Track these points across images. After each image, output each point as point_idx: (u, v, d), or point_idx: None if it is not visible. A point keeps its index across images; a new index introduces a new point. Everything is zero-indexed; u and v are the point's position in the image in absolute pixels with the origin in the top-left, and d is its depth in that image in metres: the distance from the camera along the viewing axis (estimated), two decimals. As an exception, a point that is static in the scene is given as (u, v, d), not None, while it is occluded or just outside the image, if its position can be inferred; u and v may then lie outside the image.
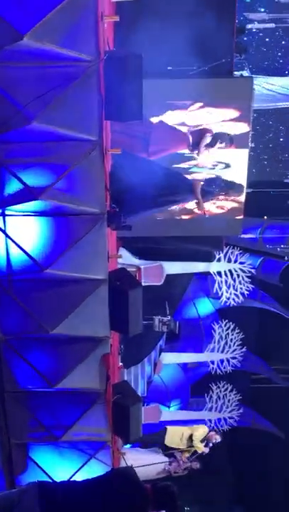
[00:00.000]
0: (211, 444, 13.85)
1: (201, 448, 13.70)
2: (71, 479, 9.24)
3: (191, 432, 13.97)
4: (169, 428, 14.01)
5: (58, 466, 9.85)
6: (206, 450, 13.82)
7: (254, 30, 19.38)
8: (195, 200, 10.54)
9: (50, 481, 8.88)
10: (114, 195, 9.27)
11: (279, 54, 20.89)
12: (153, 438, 13.97)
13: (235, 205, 13.67)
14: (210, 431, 13.99)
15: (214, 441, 13.89)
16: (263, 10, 19.94)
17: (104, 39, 8.39)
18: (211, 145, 13.07)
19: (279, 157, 22.22)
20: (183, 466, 13.98)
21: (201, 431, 13.99)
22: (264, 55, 20.65)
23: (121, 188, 9.60)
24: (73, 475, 9.62)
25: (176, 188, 10.43)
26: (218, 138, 11.87)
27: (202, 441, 13.85)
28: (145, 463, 13.48)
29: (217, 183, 10.67)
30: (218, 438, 13.92)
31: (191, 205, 11.59)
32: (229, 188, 10.76)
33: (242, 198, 13.57)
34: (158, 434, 14.16)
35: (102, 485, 7.28)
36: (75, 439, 9.72)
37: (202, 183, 10.43)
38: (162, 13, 12.31)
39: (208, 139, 11.73)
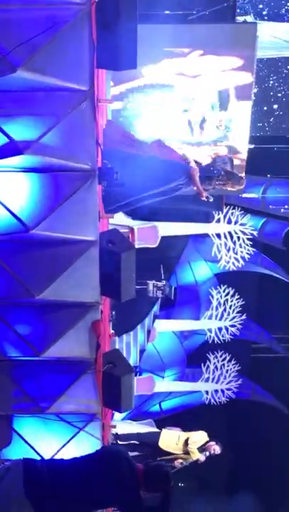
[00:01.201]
0: (208, 454, 13.53)
1: (196, 454, 13.25)
2: (58, 457, 9.32)
3: (187, 436, 13.50)
4: (164, 430, 13.78)
5: (45, 439, 9.89)
6: (202, 458, 13.36)
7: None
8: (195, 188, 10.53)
9: (35, 458, 8.94)
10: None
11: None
12: (147, 438, 13.81)
13: (236, 162, 13.66)
14: (210, 440, 13.60)
15: (212, 452, 13.36)
16: None
17: (97, -20, 8.28)
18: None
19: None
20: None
21: (198, 436, 13.47)
22: (270, -1, 20.42)
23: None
24: (61, 448, 9.68)
25: (175, 177, 10.42)
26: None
27: (200, 449, 13.51)
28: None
29: (215, 171, 10.66)
30: (217, 449, 13.39)
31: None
32: (229, 178, 10.76)
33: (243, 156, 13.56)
34: (152, 433, 13.92)
35: (90, 464, 7.35)
36: (63, 411, 9.77)
37: (198, 173, 10.47)
38: None
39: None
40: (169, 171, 10.39)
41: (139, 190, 10.31)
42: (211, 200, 10.80)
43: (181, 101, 14.00)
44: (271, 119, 21.47)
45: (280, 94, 21.43)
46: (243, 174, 12.83)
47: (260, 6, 19.27)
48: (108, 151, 9.98)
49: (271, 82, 20.96)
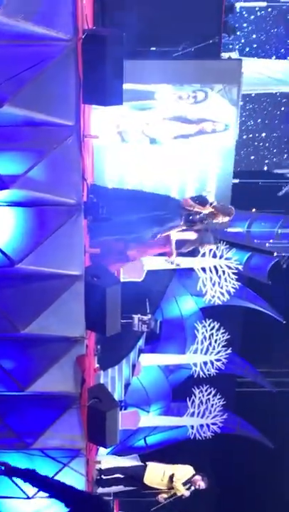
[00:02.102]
0: (193, 488, 13.37)
1: (181, 490, 13.11)
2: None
3: (172, 472, 13.31)
4: (149, 465, 13.65)
5: (29, 475, 9.82)
6: (187, 494, 13.23)
7: (244, 10, 19.40)
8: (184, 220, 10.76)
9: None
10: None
11: (270, 34, 20.91)
12: (132, 472, 13.69)
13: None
14: (195, 474, 13.47)
15: (198, 486, 13.20)
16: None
17: (83, 17, 8.35)
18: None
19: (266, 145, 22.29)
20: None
21: (184, 471, 13.31)
22: (254, 36, 20.65)
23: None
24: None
25: (167, 208, 10.60)
26: (202, 241, 11.99)
27: (185, 483, 13.36)
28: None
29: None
30: (202, 484, 13.22)
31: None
32: (219, 209, 10.94)
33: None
34: (138, 468, 13.79)
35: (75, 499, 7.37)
36: (48, 446, 9.70)
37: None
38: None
39: (189, 248, 11.90)
40: (161, 203, 10.53)
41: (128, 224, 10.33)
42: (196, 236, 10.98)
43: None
44: (241, 152, 21.59)
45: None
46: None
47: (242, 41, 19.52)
48: (97, 187, 10.05)
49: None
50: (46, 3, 7.74)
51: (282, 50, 20.16)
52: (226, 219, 11.23)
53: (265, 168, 21.67)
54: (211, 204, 10.91)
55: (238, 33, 18.27)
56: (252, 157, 21.77)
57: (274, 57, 20.17)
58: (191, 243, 11.76)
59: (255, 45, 20.62)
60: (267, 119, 21.53)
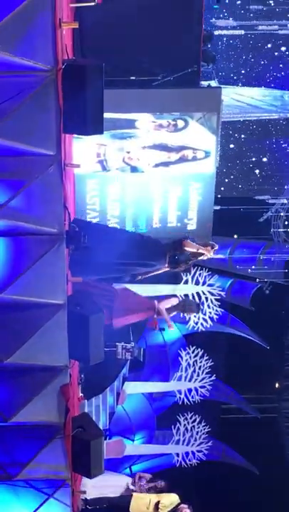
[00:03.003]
0: None
1: None
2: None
3: (158, 499, 13.10)
4: (135, 495, 13.57)
5: (14, 507, 9.73)
6: None
7: (222, 37, 19.58)
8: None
9: None
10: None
11: (249, 63, 21.08)
12: (118, 502, 13.58)
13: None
14: (181, 503, 13.36)
15: None
16: (231, 18, 20.16)
17: (63, 47, 8.39)
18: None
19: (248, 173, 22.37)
20: (146, 486, 13.78)
21: (169, 499, 13.10)
22: (232, 64, 20.81)
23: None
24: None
25: (152, 249, 10.67)
26: (185, 309, 12.21)
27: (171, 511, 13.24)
28: (107, 484, 13.33)
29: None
30: None
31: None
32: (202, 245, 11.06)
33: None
34: (123, 498, 13.69)
35: None
36: (32, 477, 9.62)
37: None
38: (125, 20, 12.35)
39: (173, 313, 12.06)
40: (147, 247, 10.62)
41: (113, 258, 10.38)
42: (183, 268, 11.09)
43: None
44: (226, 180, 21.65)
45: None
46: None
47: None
48: (80, 222, 10.10)
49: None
50: (26, 33, 7.76)
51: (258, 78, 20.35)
52: (211, 255, 11.31)
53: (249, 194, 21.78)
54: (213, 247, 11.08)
55: (218, 61, 18.47)
56: (234, 183, 21.88)
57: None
58: (175, 308, 11.90)
59: (233, 73, 20.77)
60: (247, 145, 21.66)
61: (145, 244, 10.67)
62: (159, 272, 11.03)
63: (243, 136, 21.08)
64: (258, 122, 20.27)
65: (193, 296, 16.79)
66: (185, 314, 12.12)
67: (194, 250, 10.86)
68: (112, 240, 10.33)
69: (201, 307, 16.34)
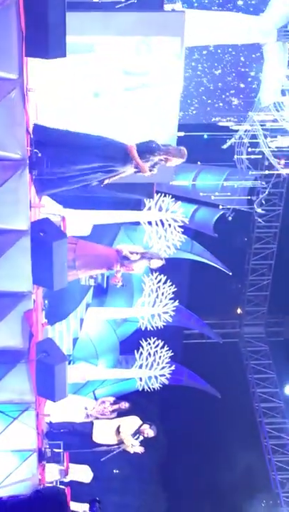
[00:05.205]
0: (142, 438, 13.21)
1: (131, 441, 13.17)
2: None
3: (119, 424, 13.38)
4: (95, 422, 13.71)
5: (-21, 430, 9.88)
6: (139, 450, 13.32)
7: None
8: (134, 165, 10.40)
9: None
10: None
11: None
12: (81, 428, 13.72)
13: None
14: (143, 424, 13.52)
15: (146, 435, 13.25)
16: None
17: None
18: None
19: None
20: (110, 409, 13.99)
21: (130, 422, 13.38)
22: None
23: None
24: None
25: (112, 154, 10.32)
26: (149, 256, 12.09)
27: (134, 434, 13.20)
28: (70, 406, 13.50)
29: (153, 144, 10.56)
30: (150, 433, 13.31)
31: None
32: (167, 151, 10.64)
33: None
34: (85, 425, 13.81)
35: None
36: (-3, 401, 9.75)
37: (135, 149, 10.31)
38: None
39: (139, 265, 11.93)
40: (105, 149, 10.31)
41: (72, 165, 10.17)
42: (155, 172, 10.69)
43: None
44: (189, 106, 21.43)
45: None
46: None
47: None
48: (39, 127, 9.90)
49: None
50: None
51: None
52: (180, 161, 10.96)
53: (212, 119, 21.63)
54: (160, 152, 10.65)
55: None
56: (195, 111, 21.71)
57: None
58: (140, 259, 11.81)
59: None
60: (213, 72, 21.46)
61: (103, 146, 10.41)
62: (127, 173, 10.68)
63: (216, 63, 20.85)
64: (233, 48, 20.01)
65: (156, 224, 16.80)
66: (150, 264, 12.06)
67: (136, 159, 10.49)
68: (72, 148, 10.11)
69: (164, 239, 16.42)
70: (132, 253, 11.72)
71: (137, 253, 11.84)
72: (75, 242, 11.58)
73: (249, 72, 20.44)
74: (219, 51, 19.97)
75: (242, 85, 20.74)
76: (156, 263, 12.03)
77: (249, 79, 20.47)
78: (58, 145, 9.87)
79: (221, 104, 21.25)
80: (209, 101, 21.02)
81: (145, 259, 11.89)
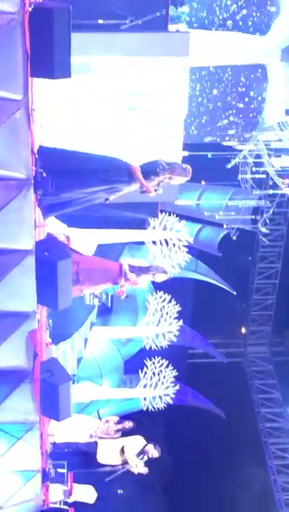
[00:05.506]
0: (146, 458, 13.08)
1: (135, 462, 13.03)
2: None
3: (123, 444, 13.26)
4: (100, 442, 13.63)
5: (-17, 450, 9.86)
6: (143, 470, 13.17)
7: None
8: (139, 184, 10.33)
9: None
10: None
11: (225, 7, 20.76)
12: (85, 449, 13.64)
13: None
14: (147, 444, 13.40)
15: (151, 455, 13.11)
16: None
17: (30, -11, 8.28)
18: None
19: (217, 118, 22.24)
20: (114, 428, 13.91)
21: (135, 442, 13.29)
22: (208, 8, 20.46)
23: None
24: (-1, 459, 9.67)
25: (117, 178, 10.28)
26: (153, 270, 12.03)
27: (138, 454, 13.07)
28: (74, 425, 13.43)
29: (158, 164, 10.52)
30: (155, 454, 13.18)
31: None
32: (172, 169, 10.59)
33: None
34: (90, 445, 13.72)
35: None
36: (1, 421, 9.73)
37: (139, 170, 10.26)
38: None
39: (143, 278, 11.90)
40: (110, 173, 10.30)
41: (77, 188, 10.16)
42: (160, 192, 10.65)
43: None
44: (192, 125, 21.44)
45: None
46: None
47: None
48: (45, 149, 9.92)
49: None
50: (-8, -25, 7.67)
51: (230, 22, 20.08)
52: (184, 180, 10.91)
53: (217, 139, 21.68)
54: (165, 172, 10.59)
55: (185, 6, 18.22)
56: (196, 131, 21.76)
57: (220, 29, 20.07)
58: (143, 272, 11.74)
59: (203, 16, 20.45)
60: (216, 92, 21.52)
61: (108, 170, 10.38)
62: (131, 189, 10.61)
63: (217, 83, 20.91)
64: (233, 68, 20.09)
65: (160, 243, 16.81)
66: (155, 278, 11.99)
67: (141, 180, 10.44)
68: (77, 172, 10.10)
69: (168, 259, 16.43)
70: (136, 267, 11.69)
71: (141, 267, 11.81)
72: (79, 257, 11.56)
73: (249, 92, 20.50)
74: (219, 71, 20.04)
75: (241, 105, 20.80)
76: (161, 277, 11.96)
77: (246, 99, 20.52)
78: (62, 168, 9.87)
79: (223, 124, 21.30)
80: (210, 120, 21.06)
81: (149, 272, 11.84)
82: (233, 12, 18.92)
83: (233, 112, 20.81)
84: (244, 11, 18.73)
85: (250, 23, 18.94)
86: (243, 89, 20.31)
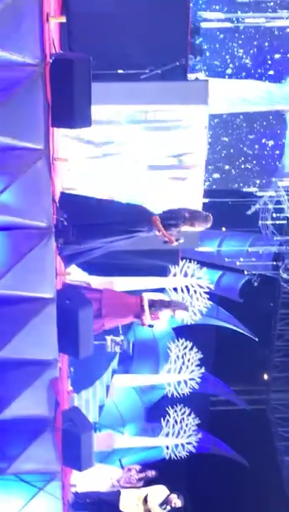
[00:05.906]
0: (169, 508, 13.10)
1: None
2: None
3: (146, 493, 13.02)
4: (122, 492, 13.51)
5: (4, 501, 9.75)
6: None
7: (210, 30, 19.56)
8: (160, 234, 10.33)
9: None
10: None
11: (237, 55, 21.05)
12: (107, 498, 13.53)
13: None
14: (170, 493, 13.26)
15: (174, 505, 12.80)
16: (218, 8, 20.12)
17: (50, 41, 8.40)
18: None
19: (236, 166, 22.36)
20: (136, 477, 13.78)
21: (157, 492, 13.01)
22: (220, 57, 20.77)
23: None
24: (20, 510, 9.54)
25: (138, 228, 10.29)
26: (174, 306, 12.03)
27: (161, 504, 13.09)
28: (95, 475, 13.30)
29: (180, 216, 10.51)
30: (178, 503, 12.85)
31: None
32: (193, 218, 10.55)
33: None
34: (112, 494, 13.60)
35: None
36: (22, 471, 9.64)
37: (159, 220, 10.28)
38: (113, 13, 12.35)
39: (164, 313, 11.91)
40: (131, 224, 10.31)
41: (98, 238, 10.18)
42: (182, 241, 10.61)
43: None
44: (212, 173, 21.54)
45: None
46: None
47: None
48: (66, 197, 9.98)
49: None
50: (13, 27, 7.75)
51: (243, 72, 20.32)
52: (205, 227, 10.87)
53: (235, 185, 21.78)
54: (186, 222, 10.56)
55: (206, 53, 18.48)
56: (220, 175, 21.85)
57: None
58: (164, 307, 11.65)
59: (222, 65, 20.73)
60: (235, 138, 21.67)
61: (129, 217, 10.37)
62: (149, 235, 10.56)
63: (230, 130, 21.09)
64: (245, 115, 20.28)
65: (182, 290, 16.81)
66: (175, 314, 11.92)
67: (162, 231, 10.38)
68: (98, 223, 10.13)
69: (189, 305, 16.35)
70: (156, 300, 11.62)
71: (162, 300, 11.75)
72: (101, 291, 11.53)
73: (262, 139, 20.64)
74: (232, 118, 20.23)
75: (256, 152, 20.92)
76: (182, 313, 11.88)
77: (262, 146, 20.65)
78: (84, 217, 9.92)
79: (240, 170, 21.41)
80: (227, 167, 21.19)
81: (171, 307, 11.72)
82: (246, 60, 19.16)
83: (248, 158, 20.94)
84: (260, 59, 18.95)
85: (262, 72, 19.17)
86: (258, 136, 20.47)
